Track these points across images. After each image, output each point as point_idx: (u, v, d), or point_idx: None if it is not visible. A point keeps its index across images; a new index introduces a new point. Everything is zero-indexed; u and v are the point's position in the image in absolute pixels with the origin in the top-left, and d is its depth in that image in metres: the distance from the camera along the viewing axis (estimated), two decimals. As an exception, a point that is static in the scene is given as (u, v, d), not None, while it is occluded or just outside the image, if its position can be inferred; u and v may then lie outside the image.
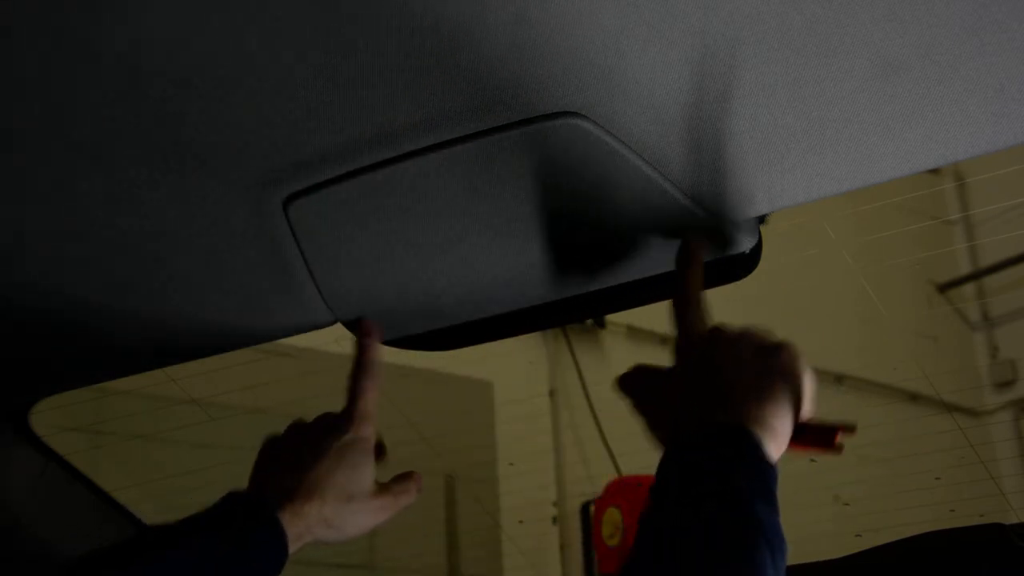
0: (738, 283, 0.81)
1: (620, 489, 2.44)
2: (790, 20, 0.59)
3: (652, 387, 0.75)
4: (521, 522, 2.69)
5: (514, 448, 2.69)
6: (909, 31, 0.60)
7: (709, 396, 0.69)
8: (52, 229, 0.75)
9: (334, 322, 0.88)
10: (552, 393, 2.84)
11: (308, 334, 0.90)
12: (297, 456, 0.80)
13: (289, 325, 0.89)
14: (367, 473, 0.81)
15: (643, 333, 2.82)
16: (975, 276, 3.53)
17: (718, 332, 0.72)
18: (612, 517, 2.42)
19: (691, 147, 0.70)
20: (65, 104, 0.62)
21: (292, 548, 0.76)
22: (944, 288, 3.53)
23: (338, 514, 0.78)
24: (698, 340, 0.72)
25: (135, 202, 0.73)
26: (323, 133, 0.67)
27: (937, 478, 2.21)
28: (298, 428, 0.84)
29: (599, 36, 0.59)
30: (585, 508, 2.70)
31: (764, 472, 0.64)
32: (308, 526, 0.77)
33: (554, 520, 2.79)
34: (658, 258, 0.80)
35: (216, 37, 0.57)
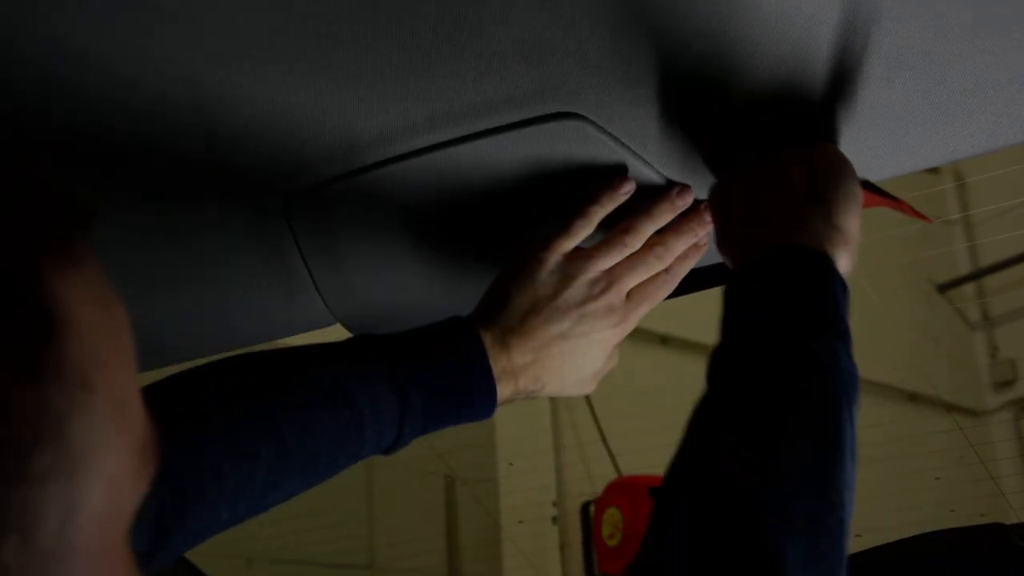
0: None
1: (620, 489, 2.44)
2: (790, 21, 0.59)
3: (731, 197, 0.71)
4: (521, 522, 2.69)
5: (514, 448, 2.69)
6: (909, 31, 0.60)
7: (782, 216, 0.67)
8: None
9: (334, 322, 0.88)
10: (552, 394, 2.83)
11: (308, 334, 0.90)
12: (542, 310, 0.70)
13: (289, 325, 0.89)
14: (605, 357, 0.74)
15: (643, 333, 2.82)
16: (975, 276, 3.53)
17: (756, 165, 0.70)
18: (612, 517, 2.42)
19: (693, 148, 0.70)
20: (64, 106, 0.62)
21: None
22: (944, 288, 3.53)
23: (554, 388, 0.73)
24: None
25: (134, 203, 0.73)
26: (323, 133, 0.67)
27: (937, 478, 2.21)
28: (565, 271, 0.71)
29: (600, 37, 0.59)
30: (585, 508, 2.70)
31: (838, 296, 0.63)
32: (516, 391, 0.71)
33: (554, 520, 2.79)
34: (658, 258, 0.80)
35: (217, 38, 0.57)
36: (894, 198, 0.75)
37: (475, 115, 0.66)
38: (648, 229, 0.73)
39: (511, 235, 0.77)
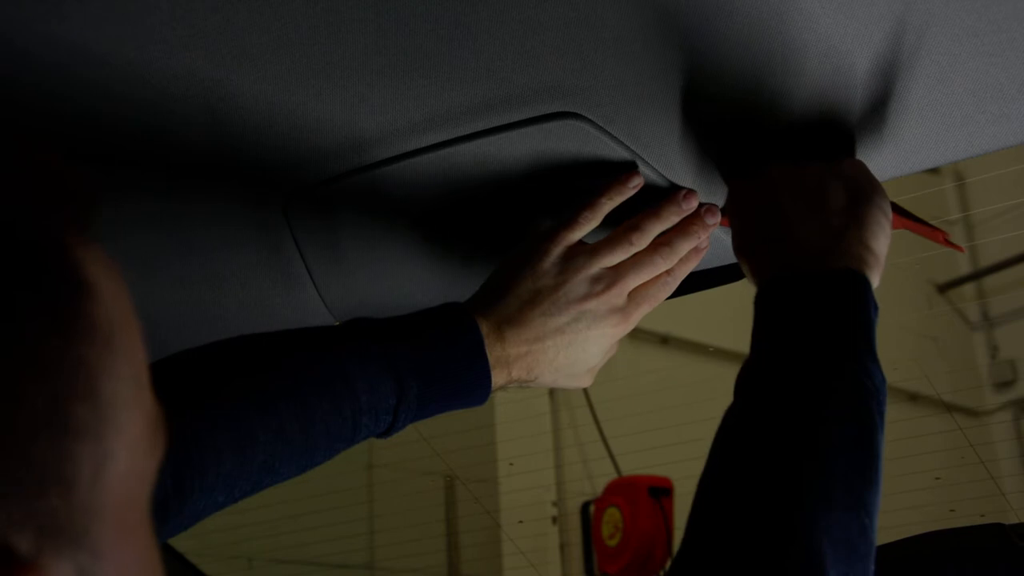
0: (739, 283, 0.81)
1: (620, 489, 2.44)
2: (789, 22, 0.59)
3: (757, 214, 0.70)
4: (521, 522, 2.69)
5: (514, 448, 2.69)
6: (909, 31, 0.60)
7: (820, 235, 0.66)
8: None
9: (333, 322, 0.87)
10: (552, 393, 2.83)
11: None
12: (541, 302, 0.70)
13: (288, 325, 0.89)
14: (603, 353, 0.73)
15: (643, 333, 2.82)
16: (975, 276, 3.53)
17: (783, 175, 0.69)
18: (612, 517, 2.42)
19: (692, 148, 0.70)
20: (64, 105, 0.62)
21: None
22: (944, 288, 3.53)
23: (547, 380, 0.72)
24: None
25: (134, 201, 0.73)
26: (322, 133, 0.67)
27: (937, 478, 2.20)
28: (567, 263, 0.71)
29: (600, 37, 0.59)
30: (585, 508, 2.70)
31: (872, 320, 0.63)
32: (510, 380, 0.71)
33: (554, 520, 2.79)
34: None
35: (217, 38, 0.57)
36: (925, 223, 0.75)
37: (475, 115, 0.66)
38: (655, 229, 0.73)
39: (511, 235, 0.77)
